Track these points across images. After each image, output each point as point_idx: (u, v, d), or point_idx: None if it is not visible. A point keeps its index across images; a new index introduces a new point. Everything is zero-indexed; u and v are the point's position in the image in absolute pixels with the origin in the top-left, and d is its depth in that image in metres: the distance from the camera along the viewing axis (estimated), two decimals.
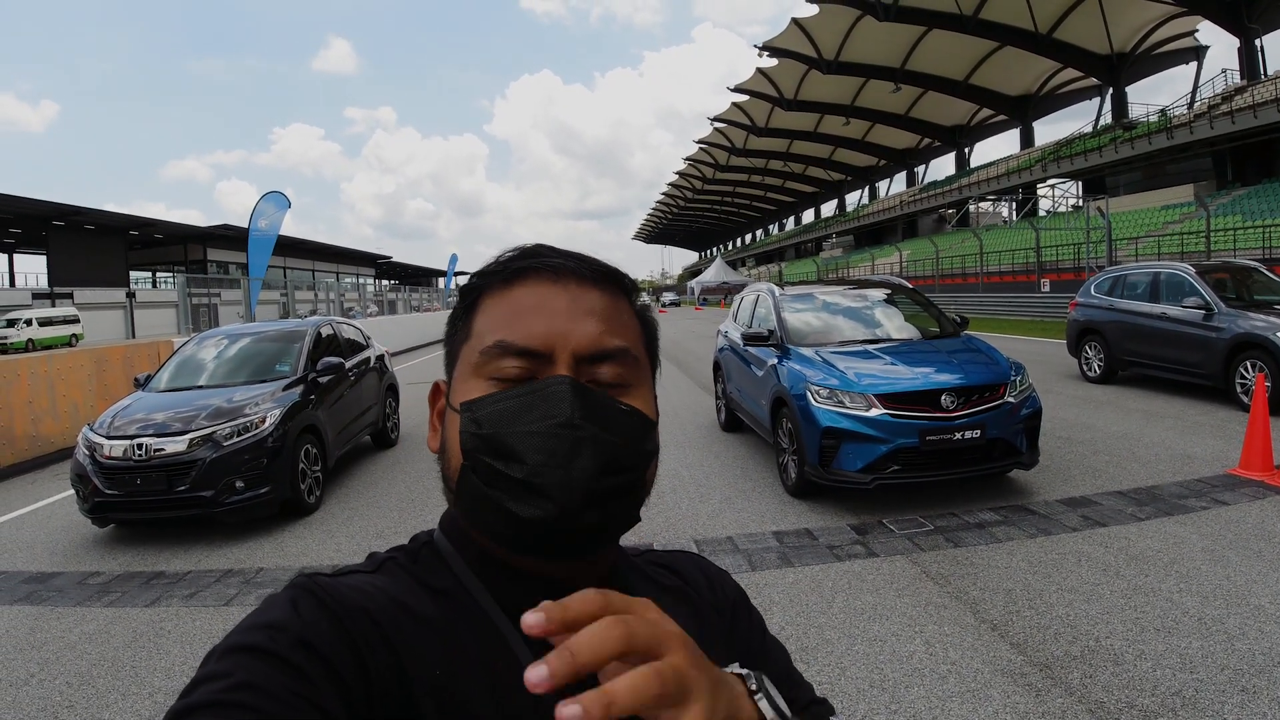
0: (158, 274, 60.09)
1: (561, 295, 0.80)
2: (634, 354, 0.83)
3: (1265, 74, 37.12)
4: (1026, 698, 3.57)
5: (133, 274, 52.96)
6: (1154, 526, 5.76)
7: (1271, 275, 11.41)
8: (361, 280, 72.24)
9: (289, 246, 56.02)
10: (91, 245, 47.94)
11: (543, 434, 0.72)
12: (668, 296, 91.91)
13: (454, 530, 0.84)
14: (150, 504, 6.57)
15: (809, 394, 6.63)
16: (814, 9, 49.16)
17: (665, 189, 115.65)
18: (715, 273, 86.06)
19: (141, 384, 8.15)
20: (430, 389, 0.90)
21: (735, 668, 0.69)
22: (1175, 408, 10.19)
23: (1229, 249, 29.06)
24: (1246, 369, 9.63)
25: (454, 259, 75.47)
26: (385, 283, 78.88)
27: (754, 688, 0.64)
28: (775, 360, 7.58)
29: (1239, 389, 9.74)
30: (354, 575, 0.78)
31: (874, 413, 6.31)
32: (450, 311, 0.90)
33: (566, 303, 0.80)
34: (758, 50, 55.92)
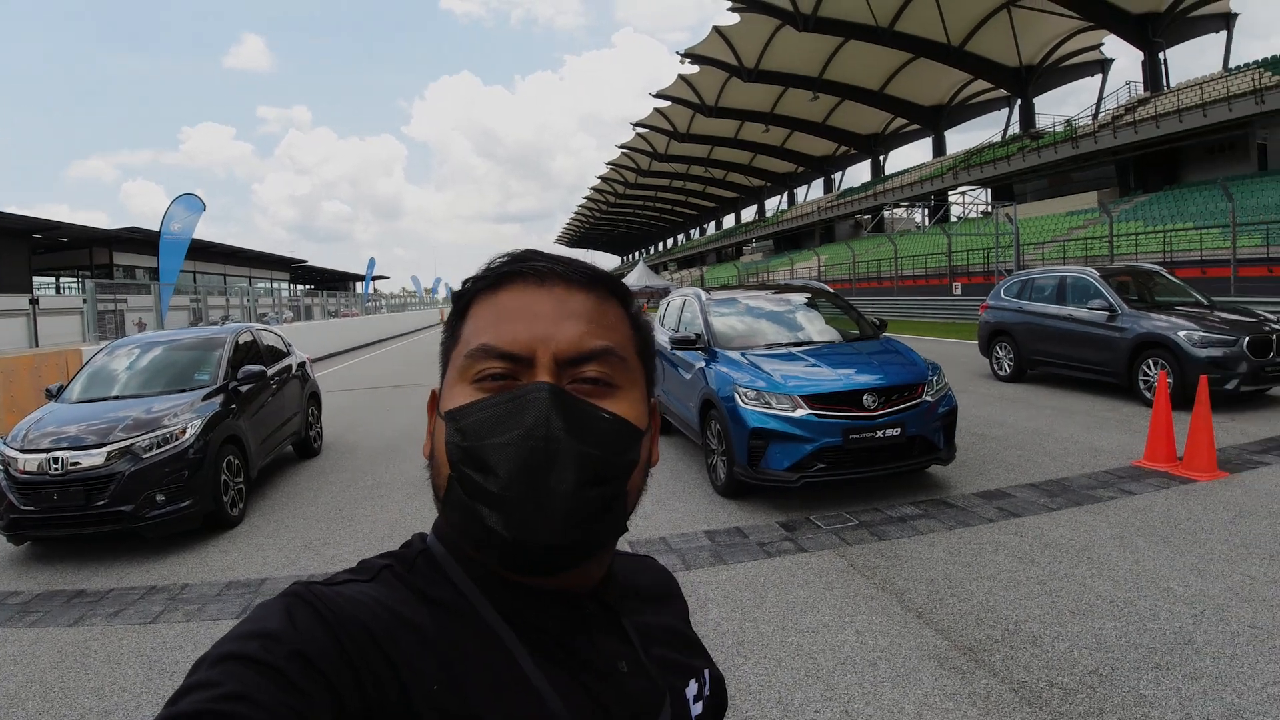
0: (62, 279, 57.73)
1: (546, 298, 0.80)
2: (620, 354, 0.81)
3: (1168, 86, 38.88)
4: (953, 680, 3.72)
5: (36, 279, 50.77)
6: (1065, 516, 6.04)
7: (1172, 278, 12.00)
8: (276, 285, 70.50)
9: (199, 250, 54.30)
10: None
11: (515, 445, 0.71)
12: None
13: (449, 538, 0.82)
14: (68, 520, 6.34)
15: (737, 396, 6.76)
16: (735, 18, 49.78)
17: (588, 193, 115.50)
18: (638, 277, 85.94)
19: (54, 395, 7.80)
20: (428, 398, 0.87)
21: None
22: (1082, 404, 10.62)
23: (1131, 253, 30.33)
24: (1149, 367, 10.10)
25: (372, 262, 74.26)
26: (300, 287, 77.18)
27: None
28: (703, 363, 7.70)
29: (1142, 385, 10.21)
30: (350, 585, 0.75)
31: (800, 413, 6.46)
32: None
33: (550, 306, 0.79)
34: (680, 57, 56.39)
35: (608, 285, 0.85)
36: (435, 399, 0.85)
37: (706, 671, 0.96)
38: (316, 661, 0.64)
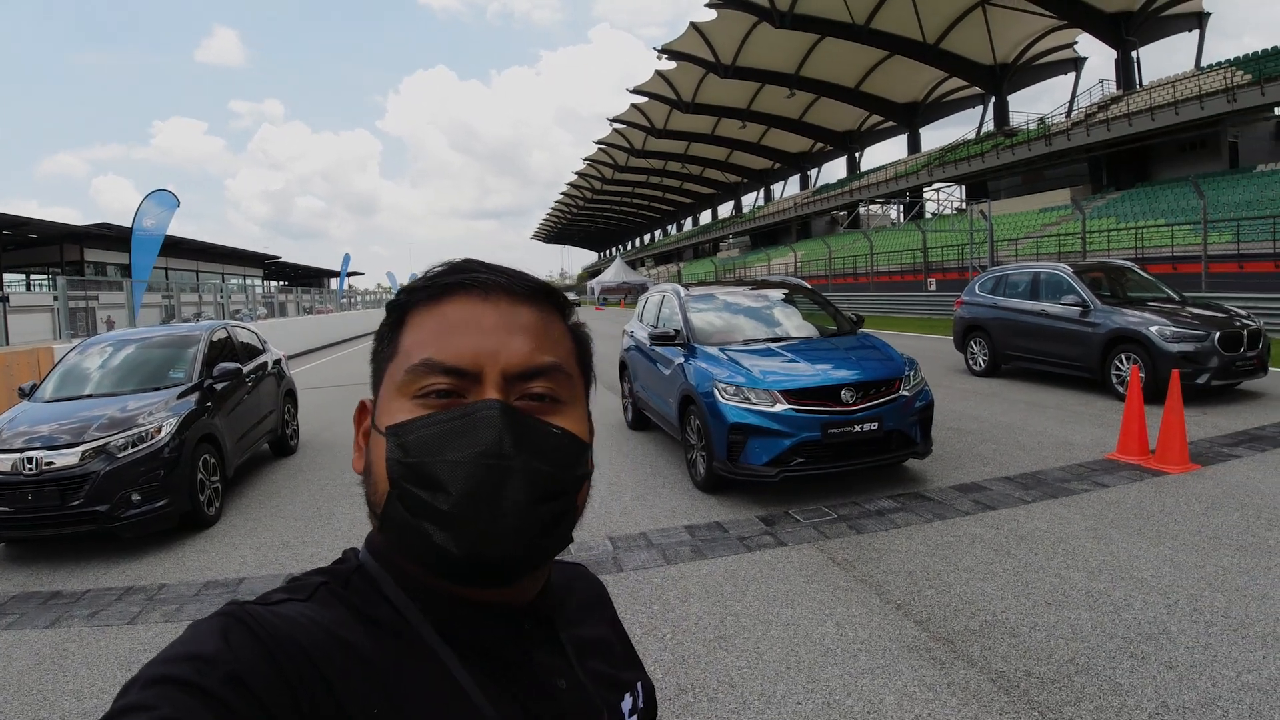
0: (32, 276, 56.93)
1: (491, 312, 0.78)
2: (566, 370, 0.81)
3: (1141, 84, 39.22)
4: (933, 670, 3.77)
5: (6, 276, 50.04)
6: (1040, 508, 6.11)
7: (1144, 274, 12.15)
8: (249, 281, 69.85)
9: (171, 246, 53.63)
10: None
11: (470, 463, 0.70)
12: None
13: (384, 554, 0.80)
14: (43, 520, 6.25)
15: (716, 391, 6.78)
16: (712, 14, 49.74)
17: (565, 189, 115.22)
18: (615, 273, 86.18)
19: (26, 394, 7.69)
20: (356, 408, 0.85)
21: None
22: (1056, 398, 10.73)
23: (1104, 249, 30.62)
24: (1121, 361, 10.22)
25: (347, 259, 73.69)
26: (274, 284, 76.53)
27: None
28: (682, 359, 7.72)
29: (1114, 380, 10.34)
30: (287, 604, 0.72)
31: (779, 408, 6.50)
32: (377, 328, 0.86)
33: (496, 320, 0.78)
34: (657, 53, 56.29)
35: (550, 298, 0.84)
36: (365, 410, 0.84)
37: (639, 684, 0.96)
38: (252, 685, 0.61)
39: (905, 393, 6.78)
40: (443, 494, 0.70)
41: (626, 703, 0.91)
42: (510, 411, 0.74)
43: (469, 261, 0.82)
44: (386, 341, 0.82)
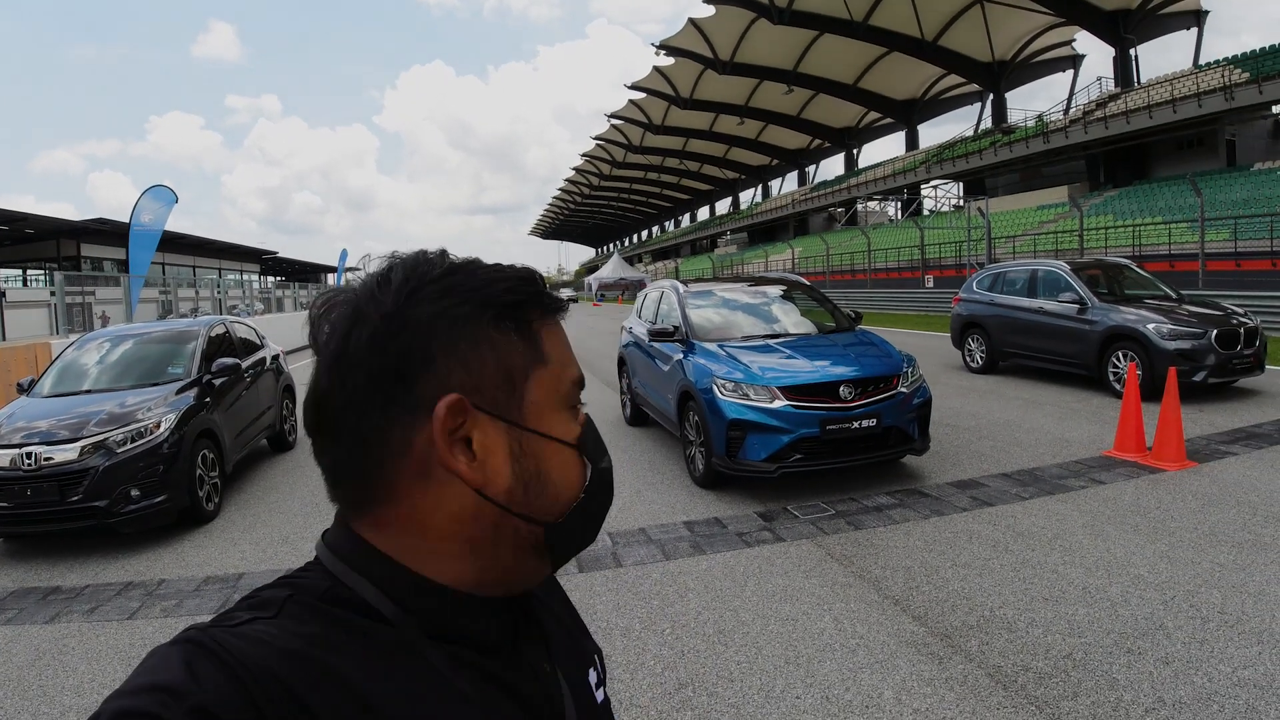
0: (29, 272, 56.80)
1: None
2: None
3: (1139, 82, 39.23)
4: (930, 665, 3.79)
5: (2, 271, 49.88)
6: (1037, 505, 6.13)
7: (1142, 272, 12.17)
8: (246, 277, 69.72)
9: (168, 242, 53.45)
10: None
11: (610, 469, 0.85)
12: (565, 293, 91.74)
13: (367, 559, 0.75)
14: (42, 516, 6.25)
15: (715, 387, 6.79)
16: (710, 10, 49.69)
17: (562, 185, 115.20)
18: (612, 269, 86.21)
19: (25, 389, 7.69)
20: (448, 408, 0.72)
21: None
22: (1052, 395, 10.75)
23: (1101, 247, 30.66)
24: (1119, 359, 10.23)
25: (344, 254, 73.47)
26: (271, 279, 76.39)
27: None
28: (681, 355, 7.72)
29: (1111, 377, 10.35)
30: (253, 624, 0.67)
31: (777, 404, 6.51)
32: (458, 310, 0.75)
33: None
34: (655, 49, 56.27)
35: None
36: (467, 410, 0.73)
37: (597, 656, 0.97)
38: (220, 715, 0.58)
39: (903, 389, 6.80)
40: (605, 494, 0.83)
41: (592, 677, 0.92)
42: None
43: (536, 273, 0.82)
44: (514, 339, 0.76)
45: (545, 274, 0.94)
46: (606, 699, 0.94)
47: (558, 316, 0.82)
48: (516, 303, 0.77)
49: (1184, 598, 4.37)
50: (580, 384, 0.82)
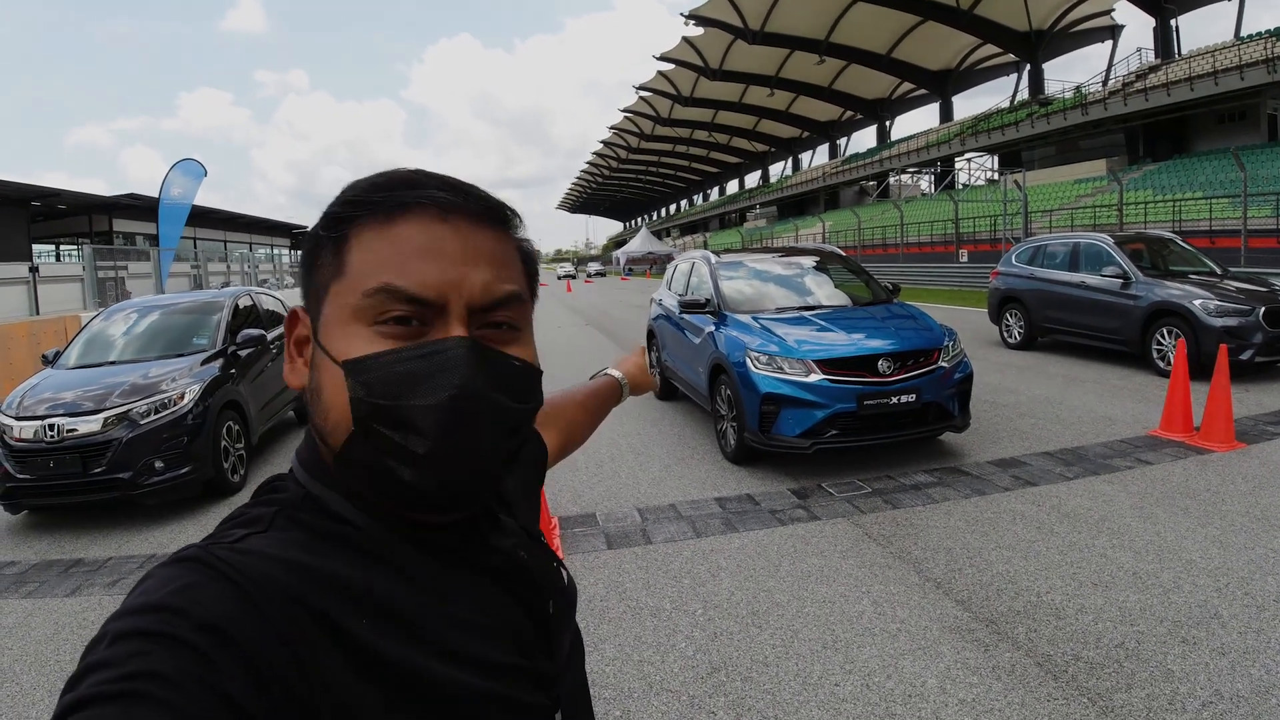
0: (61, 247, 57.52)
1: (452, 237, 0.74)
2: (524, 297, 0.80)
3: (1179, 53, 38.33)
4: (976, 653, 3.63)
5: (35, 247, 50.56)
6: (1082, 485, 5.93)
7: (1186, 246, 11.82)
8: (276, 251, 70.22)
9: (199, 216, 53.91)
10: None
11: (444, 408, 0.69)
12: (593, 266, 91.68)
13: (330, 475, 0.76)
14: (65, 488, 6.23)
15: (748, 360, 6.63)
16: None
17: (590, 158, 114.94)
18: (640, 243, 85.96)
19: (50, 361, 7.66)
20: (288, 315, 0.82)
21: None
22: (1094, 372, 10.50)
23: (1140, 222, 30.07)
24: (1163, 335, 9.95)
25: None
26: (301, 253, 77.03)
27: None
28: (713, 328, 7.56)
29: (1155, 354, 10.08)
30: (249, 539, 0.69)
31: (813, 378, 6.34)
32: (308, 234, 0.80)
33: (458, 246, 0.74)
34: (684, 18, 55.67)
35: (505, 217, 0.81)
36: (299, 320, 0.81)
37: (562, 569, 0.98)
38: (231, 631, 0.58)
39: (944, 364, 6.60)
40: (416, 436, 0.69)
41: (563, 571, 0.94)
42: (479, 349, 0.72)
43: (420, 173, 0.77)
44: (328, 255, 0.75)
45: (573, 247, 0.82)
46: (572, 582, 0.96)
47: (398, 215, 0.73)
48: (332, 217, 0.76)
49: (1238, 584, 4.19)
50: (389, 292, 0.71)
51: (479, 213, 0.76)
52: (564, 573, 0.94)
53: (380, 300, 0.71)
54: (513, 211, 0.82)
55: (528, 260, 0.84)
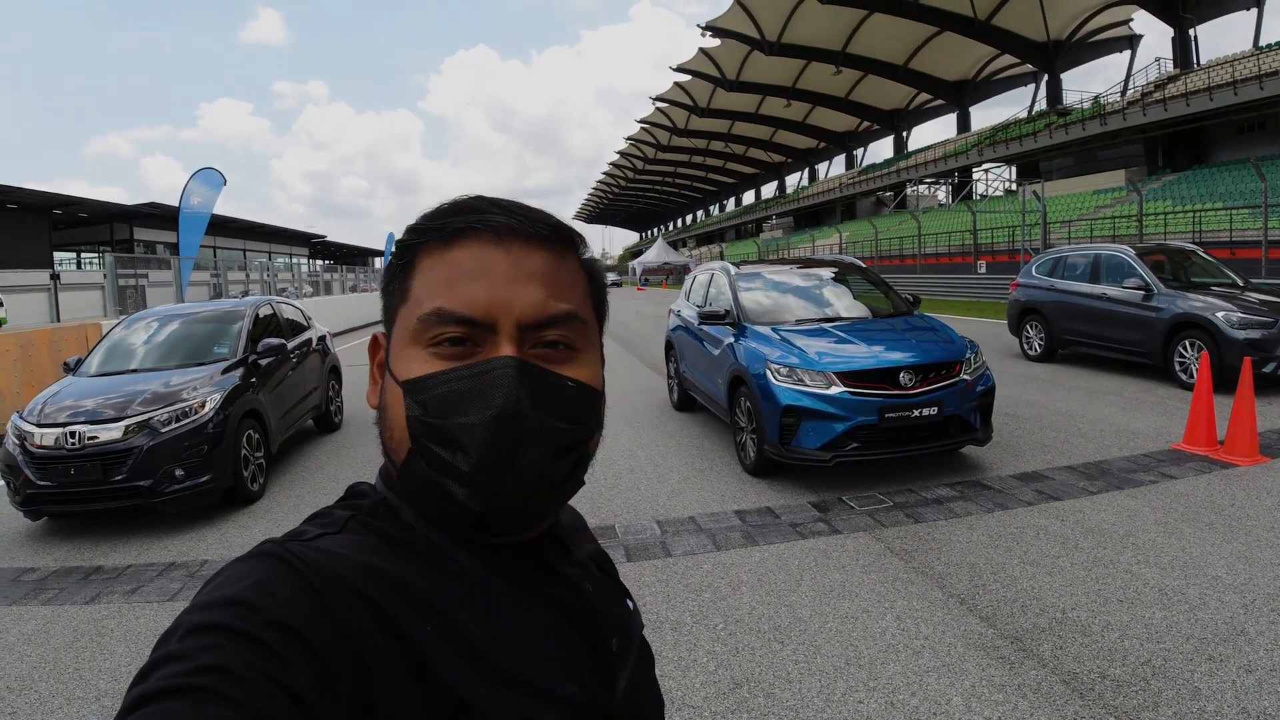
0: (83, 254, 58.02)
1: (503, 258, 0.75)
2: (581, 316, 0.79)
3: (1198, 63, 38.17)
4: (1001, 670, 3.59)
5: (56, 254, 50.99)
6: (1106, 500, 5.88)
7: (1208, 257, 11.73)
8: (295, 260, 70.65)
9: (219, 225, 54.50)
10: (14, 225, 46.03)
11: (488, 425, 0.70)
12: (610, 277, 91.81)
13: (404, 490, 0.78)
14: (85, 495, 6.25)
15: (769, 372, 6.61)
16: None
17: (606, 168, 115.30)
18: (657, 253, 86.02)
19: (71, 368, 7.73)
20: (369, 340, 0.86)
21: None
22: (1115, 385, 10.42)
23: (1160, 233, 29.95)
24: (1185, 348, 9.87)
25: (390, 238, 74.12)
26: (319, 263, 77.39)
27: None
28: (732, 339, 7.55)
29: (1177, 367, 9.99)
30: (323, 538, 0.72)
31: (834, 390, 6.31)
32: (387, 264, 0.84)
33: (509, 266, 0.75)
34: (700, 30, 55.85)
35: (565, 237, 0.81)
36: (379, 345, 0.84)
37: (628, 599, 0.97)
38: (300, 629, 0.60)
39: (966, 376, 6.56)
40: (463, 454, 0.70)
41: (630, 604, 0.95)
42: (526, 368, 0.73)
43: (479, 200, 0.80)
44: (397, 283, 0.80)
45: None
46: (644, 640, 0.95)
47: (455, 241, 0.76)
48: (401, 245, 0.81)
49: (1265, 601, 4.14)
50: (440, 315, 0.74)
51: (534, 235, 0.77)
52: (631, 606, 0.94)
53: (434, 322, 0.73)
54: (573, 232, 0.83)
55: (594, 280, 0.85)
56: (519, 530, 0.78)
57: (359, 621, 0.64)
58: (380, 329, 0.86)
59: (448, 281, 0.75)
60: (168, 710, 0.53)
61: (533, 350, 0.75)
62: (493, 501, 0.71)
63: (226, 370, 7.33)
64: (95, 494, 6.25)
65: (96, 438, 6.25)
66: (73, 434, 6.23)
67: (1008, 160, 48.56)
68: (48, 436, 6.26)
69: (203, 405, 6.68)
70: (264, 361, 7.93)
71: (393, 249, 0.82)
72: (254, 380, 7.57)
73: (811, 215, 73.85)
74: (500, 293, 0.74)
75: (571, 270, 0.81)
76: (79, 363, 7.80)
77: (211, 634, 0.58)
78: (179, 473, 6.36)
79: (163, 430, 6.39)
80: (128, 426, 6.31)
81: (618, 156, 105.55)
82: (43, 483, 6.22)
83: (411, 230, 0.80)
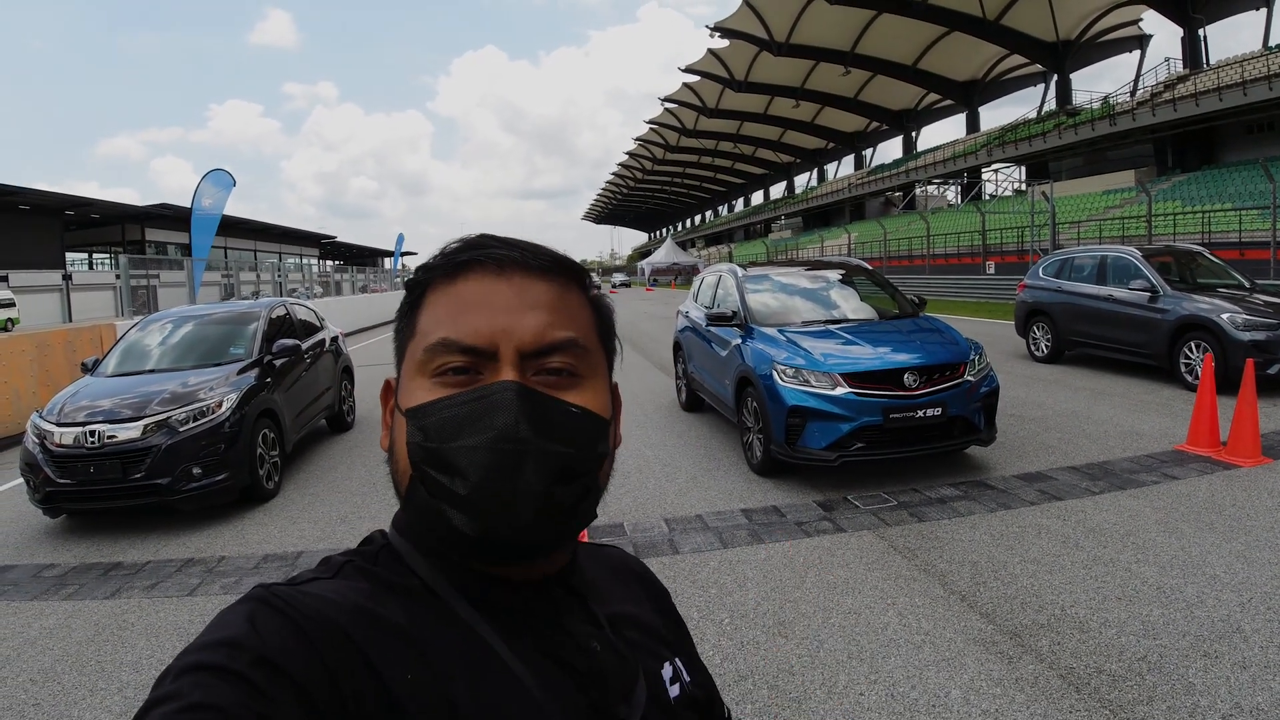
0: (94, 255, 58.30)
1: (505, 288, 0.78)
2: (583, 344, 0.80)
3: (1207, 63, 38.00)
4: (1000, 665, 3.68)
5: (69, 255, 51.25)
6: (1108, 500, 5.95)
7: (1214, 259, 11.76)
8: (305, 260, 70.87)
9: (230, 226, 54.74)
10: (27, 226, 46.30)
11: (485, 448, 0.71)
12: (618, 277, 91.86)
13: (411, 531, 0.81)
14: (104, 493, 6.38)
15: (775, 373, 6.70)
16: None
17: (615, 169, 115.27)
18: (665, 254, 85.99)
19: (89, 369, 7.88)
20: (382, 387, 0.87)
21: None
22: (1120, 386, 10.47)
23: (1169, 234, 29.85)
24: (1191, 349, 9.92)
25: (400, 238, 74.52)
26: (330, 263, 77.63)
27: None
28: (739, 340, 7.64)
29: (1183, 368, 10.05)
30: (314, 583, 0.74)
31: (839, 391, 6.40)
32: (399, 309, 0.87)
33: (510, 296, 0.77)
34: (709, 30, 55.86)
35: (568, 270, 0.83)
36: (390, 389, 0.85)
37: (680, 660, 0.95)
38: (284, 665, 0.62)
39: (970, 377, 6.64)
40: (460, 479, 0.71)
41: (667, 670, 0.91)
42: (526, 392, 0.74)
43: (484, 237, 0.82)
44: (406, 321, 0.83)
45: (598, 258, 0.87)
46: (688, 697, 0.91)
47: (459, 275, 0.80)
48: (410, 284, 0.84)
49: (1261, 599, 4.21)
50: (445, 345, 0.76)
51: (536, 266, 0.80)
52: (669, 671, 0.91)
53: (439, 351, 0.76)
54: (577, 265, 0.85)
55: (599, 311, 0.87)
56: (520, 559, 0.77)
57: (344, 662, 0.65)
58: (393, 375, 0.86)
59: (452, 313, 0.77)
60: None
61: (535, 377, 0.76)
62: (490, 526, 0.71)
63: (242, 370, 7.45)
64: (114, 492, 6.37)
65: (115, 436, 6.36)
66: (92, 433, 6.35)
67: (1017, 161, 48.46)
68: (67, 435, 6.38)
69: (219, 405, 6.80)
70: (279, 362, 8.05)
71: (403, 286, 0.85)
72: (269, 380, 7.69)
73: (820, 216, 73.75)
74: (501, 321, 0.76)
75: (576, 302, 0.82)
76: (96, 363, 7.94)
77: (202, 673, 0.61)
78: (196, 471, 6.47)
79: (180, 429, 6.50)
80: (146, 426, 6.43)
81: (626, 157, 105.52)
82: (62, 481, 6.33)
83: (421, 269, 0.83)
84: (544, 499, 0.72)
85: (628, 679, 0.83)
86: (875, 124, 67.13)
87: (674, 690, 0.89)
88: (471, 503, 0.71)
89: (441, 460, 0.72)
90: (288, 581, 0.74)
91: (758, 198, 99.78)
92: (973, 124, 56.71)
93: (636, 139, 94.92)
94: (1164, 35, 61.26)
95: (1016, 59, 50.21)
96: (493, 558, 0.75)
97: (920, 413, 6.38)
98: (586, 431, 0.77)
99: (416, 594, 0.76)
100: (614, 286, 79.40)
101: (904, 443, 6.48)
